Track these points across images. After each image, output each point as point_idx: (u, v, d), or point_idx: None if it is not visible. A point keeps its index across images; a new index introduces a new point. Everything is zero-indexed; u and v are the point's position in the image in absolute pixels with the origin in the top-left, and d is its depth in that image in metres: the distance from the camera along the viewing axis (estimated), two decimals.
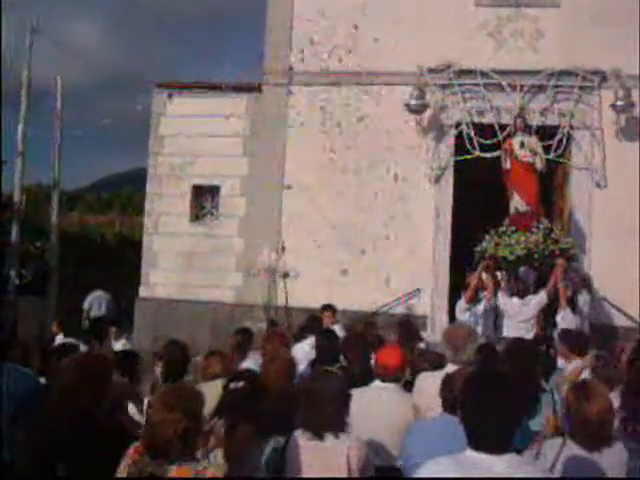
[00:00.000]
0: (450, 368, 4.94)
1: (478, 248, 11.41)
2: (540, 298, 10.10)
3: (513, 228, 11.26)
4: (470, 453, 2.83)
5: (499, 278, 10.96)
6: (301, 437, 4.01)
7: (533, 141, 11.77)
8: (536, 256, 10.87)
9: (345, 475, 3.88)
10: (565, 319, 9.66)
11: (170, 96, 14.57)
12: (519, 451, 3.49)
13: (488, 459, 2.78)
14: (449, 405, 4.20)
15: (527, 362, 5.32)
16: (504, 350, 5.92)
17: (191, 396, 3.42)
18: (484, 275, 10.60)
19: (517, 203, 11.60)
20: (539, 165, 11.60)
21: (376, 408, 4.79)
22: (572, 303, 10.22)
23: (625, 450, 4.04)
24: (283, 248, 13.36)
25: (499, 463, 2.77)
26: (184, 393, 3.42)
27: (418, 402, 5.05)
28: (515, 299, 10.25)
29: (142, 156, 15.29)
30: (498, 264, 11.02)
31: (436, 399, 4.47)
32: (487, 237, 11.34)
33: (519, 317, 9.97)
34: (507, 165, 11.71)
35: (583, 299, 10.90)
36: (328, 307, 10.45)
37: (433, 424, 4.35)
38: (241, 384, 4.31)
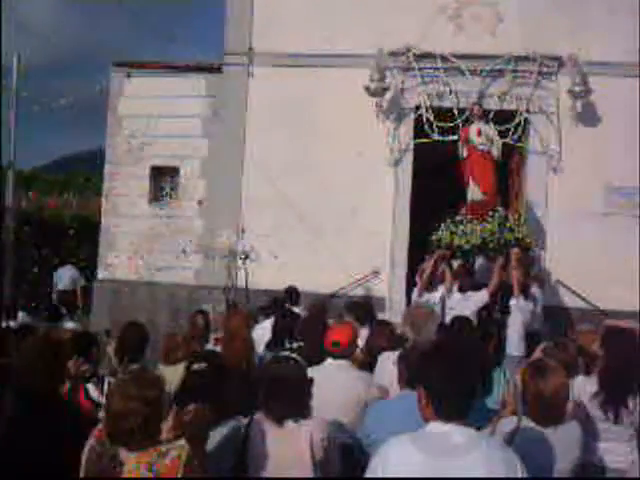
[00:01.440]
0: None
1: (434, 237, 11.46)
2: (481, 296, 9.91)
3: (469, 217, 11.27)
4: (430, 426, 2.96)
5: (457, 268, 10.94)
6: (262, 421, 4.00)
7: (490, 129, 11.84)
8: (491, 245, 10.86)
9: (308, 458, 3.87)
10: (518, 306, 9.79)
11: (128, 76, 14.40)
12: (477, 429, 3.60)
13: (447, 431, 2.90)
14: (406, 380, 4.29)
15: (475, 337, 5.44)
16: (453, 325, 6.02)
17: (151, 384, 3.38)
18: (442, 265, 10.56)
19: (473, 191, 11.63)
20: (495, 153, 11.67)
21: (328, 385, 4.83)
22: (525, 290, 10.24)
23: (579, 428, 4.17)
24: (243, 230, 13.33)
25: (458, 436, 2.89)
26: (144, 382, 3.38)
27: (380, 381, 5.12)
28: (457, 293, 10.11)
29: (100, 136, 15.13)
30: (454, 253, 11.00)
31: (396, 377, 4.56)
32: (443, 226, 11.39)
33: (456, 311, 9.40)
34: (463, 153, 11.78)
35: (536, 292, 11.00)
36: (291, 290, 10.52)
37: (392, 401, 4.42)
38: (203, 365, 4.31)
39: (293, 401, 3.99)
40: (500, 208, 11.45)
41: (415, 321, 5.30)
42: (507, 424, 4.14)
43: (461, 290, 10.15)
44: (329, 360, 5.24)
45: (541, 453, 3.92)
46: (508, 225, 11.07)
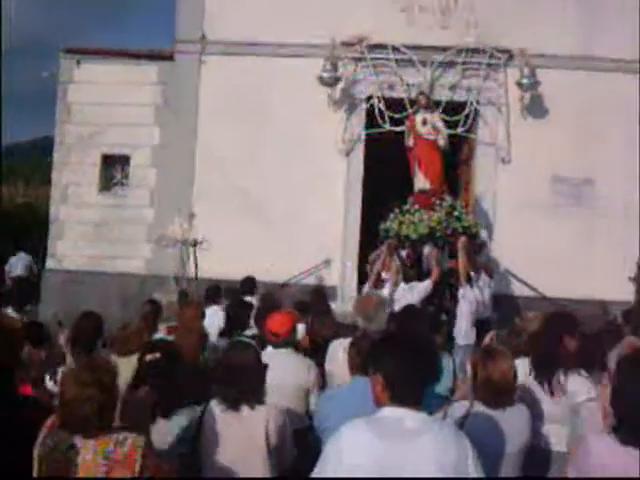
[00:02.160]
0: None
1: (382, 227, 11.54)
2: (424, 286, 9.85)
3: (416, 206, 11.36)
4: (384, 411, 3.03)
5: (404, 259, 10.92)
6: (217, 408, 4.03)
7: (436, 118, 11.96)
8: (439, 234, 10.95)
9: (263, 444, 3.92)
10: (465, 295, 9.88)
11: (78, 62, 14.18)
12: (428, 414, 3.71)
13: (400, 416, 2.97)
14: (357, 367, 4.36)
15: (425, 325, 5.53)
16: (404, 314, 6.09)
17: (105, 370, 3.35)
18: (390, 256, 10.48)
19: (420, 181, 11.74)
20: (441, 142, 11.80)
21: (270, 372, 4.89)
22: (471, 279, 10.30)
23: (527, 410, 4.31)
24: (192, 215, 13.24)
25: (411, 421, 2.96)
26: (98, 368, 3.34)
27: (331, 368, 5.19)
28: (402, 284, 9.99)
29: (49, 124, 14.88)
30: (402, 243, 11.05)
31: (347, 364, 4.63)
32: (391, 215, 11.47)
33: (401, 302, 9.21)
34: (410, 142, 11.89)
35: (483, 281, 11.14)
36: (248, 279, 10.53)
37: (344, 388, 4.49)
38: (157, 355, 4.32)
39: (249, 387, 4.03)
40: (448, 197, 11.58)
41: (366, 310, 5.37)
42: (458, 408, 4.26)
43: (405, 280, 10.10)
44: (269, 349, 5.31)
45: (492, 436, 4.04)
46: (455, 214, 11.20)
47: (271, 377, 4.95)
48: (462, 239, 10.50)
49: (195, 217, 13.31)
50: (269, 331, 5.34)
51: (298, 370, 5.21)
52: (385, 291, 9.45)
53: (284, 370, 5.13)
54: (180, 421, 4.14)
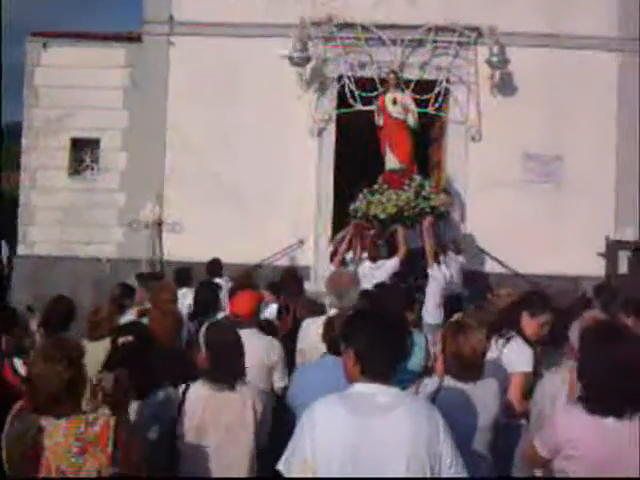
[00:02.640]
0: (332, 313, 5.12)
1: (351, 206, 11.52)
2: (392, 263, 9.84)
3: (385, 186, 11.33)
4: (356, 387, 3.06)
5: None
6: (203, 388, 4.03)
7: (406, 98, 11.95)
8: (407, 214, 10.95)
9: (252, 423, 3.96)
10: (433, 275, 9.91)
11: (45, 45, 13.97)
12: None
13: (372, 391, 3.00)
14: (332, 346, 4.37)
15: (397, 302, 5.56)
16: (375, 290, 6.13)
17: (73, 347, 3.36)
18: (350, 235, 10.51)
19: (390, 160, 11.73)
20: (411, 122, 11.81)
21: None
22: (439, 259, 10.29)
23: (496, 383, 4.36)
24: (160, 196, 13.15)
25: (382, 395, 2.98)
26: (65, 344, 3.35)
27: (302, 347, 5.20)
28: (367, 262, 10.01)
29: (17, 109, 14.67)
30: (371, 223, 11.04)
31: (319, 343, 4.64)
32: (360, 195, 11.44)
33: (369, 280, 9.00)
34: (380, 122, 11.88)
35: (455, 261, 11.13)
36: (214, 262, 10.51)
37: (317, 365, 4.51)
38: (130, 338, 4.29)
39: (235, 367, 4.07)
40: (417, 176, 11.58)
41: (337, 288, 5.37)
42: (429, 384, 4.29)
43: (372, 259, 10.09)
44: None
45: (463, 410, 4.08)
46: (423, 193, 11.19)
47: None
48: (428, 219, 10.51)
49: (163, 198, 13.22)
50: (231, 312, 5.35)
51: (261, 349, 5.22)
52: (350, 269, 9.44)
53: (247, 350, 5.16)
54: (154, 402, 4.13)
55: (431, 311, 9.48)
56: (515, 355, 4.89)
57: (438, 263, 10.06)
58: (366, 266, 9.81)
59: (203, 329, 4.30)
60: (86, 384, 3.34)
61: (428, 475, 2.92)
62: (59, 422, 3.14)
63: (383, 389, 3.01)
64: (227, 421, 3.93)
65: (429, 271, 9.78)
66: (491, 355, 4.89)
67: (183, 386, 4.07)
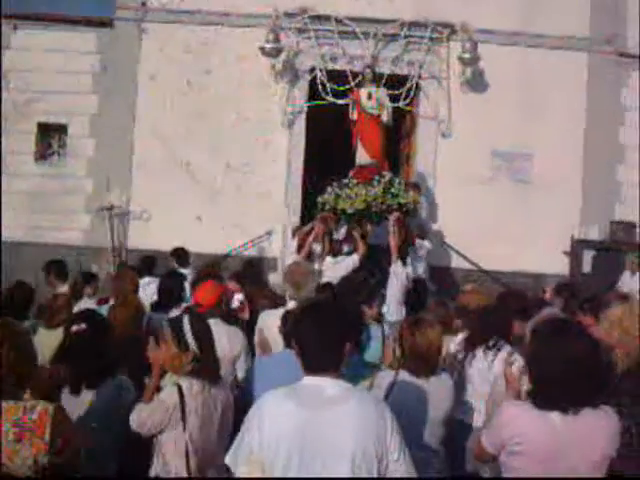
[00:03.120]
0: (291, 305, 5.11)
1: (319, 199, 11.50)
2: (352, 260, 9.69)
3: (355, 181, 11.24)
4: (304, 380, 3.06)
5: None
6: (194, 386, 3.89)
7: (381, 93, 11.92)
8: (374, 209, 10.91)
9: (230, 416, 3.97)
10: (396, 272, 9.81)
11: (15, 28, 13.78)
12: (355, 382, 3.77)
13: (320, 384, 3.01)
14: (288, 340, 4.38)
15: (351, 293, 5.58)
16: (338, 286, 6.13)
17: (20, 331, 3.33)
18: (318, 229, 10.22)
19: (362, 156, 11.65)
20: (385, 118, 11.77)
21: None
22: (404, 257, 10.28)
23: (450, 379, 4.41)
24: (127, 183, 13.04)
25: (330, 388, 2.99)
26: (10, 327, 3.30)
27: (259, 339, 5.20)
28: (329, 257, 9.87)
29: None
30: (338, 217, 10.94)
31: (277, 335, 4.64)
32: (329, 189, 11.42)
33: (327, 275, 9.02)
34: (353, 116, 11.82)
35: (421, 246, 11.24)
36: (178, 251, 10.46)
37: (273, 359, 4.51)
38: (83, 326, 4.24)
39: (216, 357, 4.06)
40: (386, 173, 11.56)
41: (295, 279, 5.37)
42: (385, 377, 4.33)
43: (333, 254, 9.97)
44: None
45: (416, 403, 4.13)
46: (393, 190, 11.20)
47: None
48: (395, 215, 10.43)
49: (130, 186, 13.13)
50: (195, 302, 5.32)
51: (226, 339, 5.18)
52: (315, 264, 9.36)
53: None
54: (107, 391, 4.09)
55: (392, 308, 9.41)
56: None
57: (403, 261, 10.00)
58: (327, 262, 9.74)
59: (179, 320, 4.18)
60: (31, 369, 3.30)
61: (375, 469, 2.93)
62: None
63: (331, 382, 3.01)
64: (220, 414, 3.90)
65: (392, 267, 9.70)
66: (480, 366, 4.94)
67: (178, 383, 3.91)
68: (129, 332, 5.37)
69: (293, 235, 10.84)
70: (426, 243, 11.32)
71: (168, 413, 3.78)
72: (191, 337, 3.93)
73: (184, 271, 8.98)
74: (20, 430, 3.09)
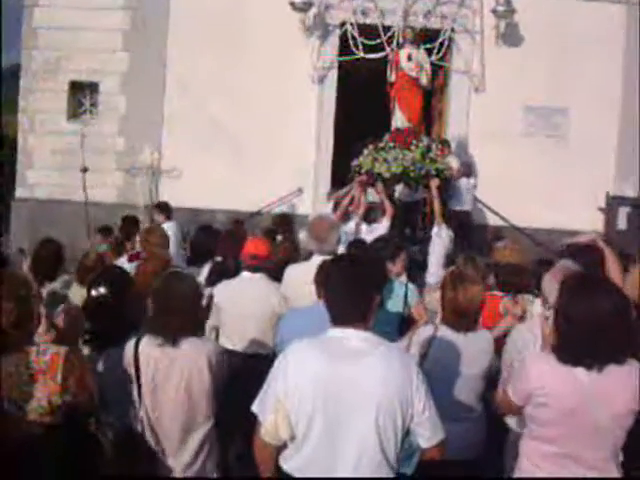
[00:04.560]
0: (316, 259, 5.10)
1: (354, 162, 11.38)
2: (383, 227, 9.36)
3: (392, 144, 11.08)
4: (330, 332, 3.07)
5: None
6: (153, 342, 3.74)
7: (421, 55, 11.69)
8: (412, 175, 10.75)
9: (207, 377, 3.74)
10: (439, 234, 9.73)
11: None
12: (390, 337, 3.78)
13: (346, 336, 3.01)
14: (319, 291, 4.37)
15: (382, 250, 5.57)
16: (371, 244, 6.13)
17: (22, 283, 3.36)
18: (357, 192, 10.01)
19: (399, 119, 11.48)
20: (424, 81, 11.55)
21: (244, 298, 4.84)
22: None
23: (490, 336, 4.40)
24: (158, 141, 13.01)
25: (355, 340, 2.98)
26: (14, 281, 3.35)
27: (286, 292, 5.20)
28: (364, 224, 9.50)
29: (15, 51, 14.48)
30: (374, 180, 10.73)
31: (303, 289, 4.64)
32: (365, 152, 11.28)
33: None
34: (392, 77, 11.62)
35: (466, 184, 11.51)
36: (160, 205, 10.54)
37: (304, 311, 4.51)
38: (102, 290, 4.21)
39: (189, 319, 3.80)
40: (424, 137, 11.38)
41: (318, 233, 5.34)
42: (425, 332, 4.33)
43: (367, 221, 9.63)
44: (245, 273, 5.28)
45: (455, 358, 4.14)
46: (431, 155, 11.05)
47: (246, 303, 4.97)
48: (435, 181, 10.32)
49: (161, 144, 13.13)
50: (247, 253, 5.29)
51: (271, 296, 5.21)
52: (351, 224, 9.28)
53: (261, 296, 5.17)
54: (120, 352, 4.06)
55: (433, 270, 9.38)
56: None
57: (447, 224, 9.92)
58: (363, 229, 9.46)
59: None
60: (34, 319, 3.35)
61: (399, 420, 2.93)
62: (10, 355, 3.20)
63: (357, 334, 3.01)
64: (180, 378, 3.71)
65: (435, 229, 9.63)
66: None
67: (134, 340, 3.80)
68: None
69: (328, 198, 10.74)
70: (472, 181, 11.59)
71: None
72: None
73: (167, 225, 9.02)
74: (33, 372, 3.19)
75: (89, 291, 4.28)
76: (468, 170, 11.90)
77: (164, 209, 10.26)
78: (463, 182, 11.62)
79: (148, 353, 3.74)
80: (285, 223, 8.65)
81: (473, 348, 4.20)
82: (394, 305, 5.18)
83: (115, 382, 3.79)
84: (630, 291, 4.02)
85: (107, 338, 4.07)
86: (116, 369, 3.84)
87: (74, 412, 3.25)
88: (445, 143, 11.77)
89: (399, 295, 5.23)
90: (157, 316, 3.80)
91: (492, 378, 4.37)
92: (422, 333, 4.35)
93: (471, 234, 11.58)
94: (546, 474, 3.12)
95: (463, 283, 4.26)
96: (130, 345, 3.78)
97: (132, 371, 3.74)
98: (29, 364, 3.18)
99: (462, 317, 4.23)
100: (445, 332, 4.23)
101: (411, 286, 5.44)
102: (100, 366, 3.96)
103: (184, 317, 3.77)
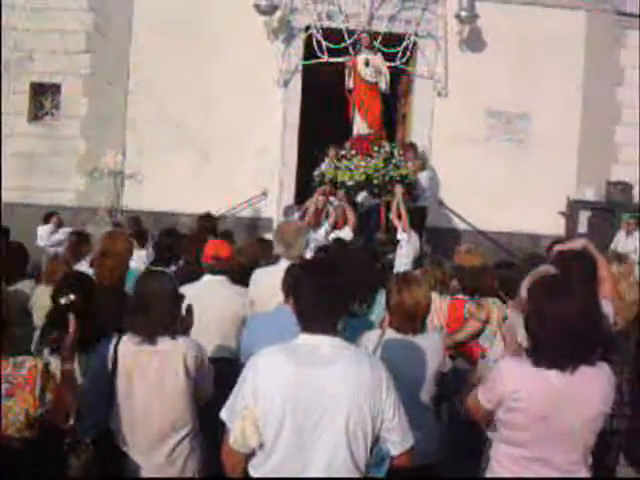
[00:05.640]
0: (283, 264, 5.08)
1: (317, 172, 11.33)
2: (344, 233, 9.33)
3: (353, 152, 11.07)
4: (300, 338, 3.04)
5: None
6: (130, 341, 3.75)
7: (378, 60, 11.72)
8: (375, 182, 10.76)
9: (183, 378, 3.72)
10: (409, 240, 9.70)
11: None
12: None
13: (315, 341, 2.99)
14: (287, 296, 4.35)
15: (355, 255, 5.57)
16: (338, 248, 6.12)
17: None
18: (321, 201, 10.07)
19: (359, 125, 11.52)
20: (383, 86, 11.60)
21: (206, 301, 4.79)
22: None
23: (440, 339, 4.40)
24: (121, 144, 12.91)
25: (326, 346, 2.97)
26: None
27: (253, 297, 5.17)
28: (322, 230, 9.47)
29: None
30: (337, 189, 10.75)
31: (270, 293, 4.61)
32: (327, 160, 11.23)
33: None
34: (350, 84, 11.62)
35: (425, 176, 11.62)
36: (51, 214, 10.93)
37: (269, 316, 4.48)
38: (71, 297, 4.16)
39: (164, 317, 3.79)
40: (386, 143, 11.40)
41: (284, 237, 5.33)
42: (371, 335, 4.30)
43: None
44: (207, 276, 5.25)
45: (402, 360, 4.09)
46: (393, 161, 11.04)
47: (208, 306, 4.92)
48: (399, 187, 10.32)
49: (124, 146, 13.04)
50: (209, 255, 5.26)
51: (236, 299, 5.18)
52: (321, 232, 9.24)
53: (222, 299, 5.12)
54: (99, 354, 4.04)
55: None
56: None
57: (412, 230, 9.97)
58: (320, 234, 9.44)
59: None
60: (7, 327, 3.31)
61: (369, 426, 2.93)
62: None
63: (327, 340, 3.00)
64: (155, 376, 3.70)
65: (405, 236, 9.66)
66: None
67: (115, 338, 3.82)
68: (113, 285, 5.22)
69: (285, 214, 10.62)
70: (427, 173, 11.70)
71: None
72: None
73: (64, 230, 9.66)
74: (11, 386, 3.13)
75: (56, 300, 4.22)
76: (423, 164, 11.98)
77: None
78: (422, 177, 11.60)
79: (125, 352, 3.73)
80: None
81: (422, 350, 4.14)
82: (377, 312, 5.15)
83: (96, 385, 3.77)
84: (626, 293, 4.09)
85: (81, 343, 4.03)
86: (95, 373, 3.81)
87: (48, 427, 3.21)
88: (412, 146, 11.83)
89: (381, 301, 5.21)
90: (134, 315, 3.79)
91: (449, 381, 4.39)
92: (369, 336, 4.33)
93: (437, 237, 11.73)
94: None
95: (409, 285, 4.22)
96: (111, 344, 3.76)
97: (110, 370, 3.72)
98: (6, 377, 3.13)
99: (409, 319, 4.16)
100: (392, 335, 4.17)
101: None
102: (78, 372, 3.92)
103: (161, 316, 3.76)
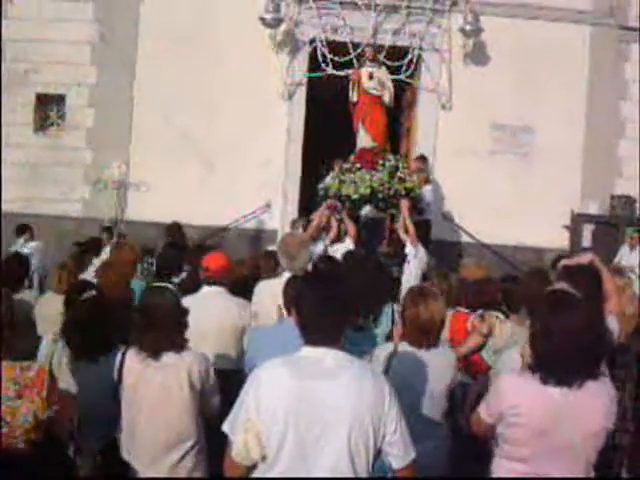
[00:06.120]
0: (287, 276, 5.08)
1: (321, 185, 11.35)
2: (344, 246, 9.00)
3: (358, 165, 11.03)
4: (303, 351, 3.03)
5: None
6: (136, 355, 3.82)
7: (382, 73, 11.73)
8: (380, 195, 10.72)
9: (187, 391, 3.77)
10: (417, 255, 9.63)
11: None
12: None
13: (318, 354, 2.98)
14: (289, 309, 4.35)
15: (362, 267, 5.54)
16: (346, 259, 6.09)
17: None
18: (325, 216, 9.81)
19: (363, 138, 11.50)
20: (387, 99, 11.61)
21: (204, 312, 4.79)
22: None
23: (453, 353, 4.39)
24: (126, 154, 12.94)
25: (329, 359, 2.96)
26: None
27: (256, 309, 5.18)
28: (321, 244, 9.20)
29: None
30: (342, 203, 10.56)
31: (273, 305, 4.62)
32: (331, 174, 11.23)
33: None
34: (354, 97, 11.63)
35: (429, 189, 11.62)
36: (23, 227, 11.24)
37: (272, 328, 4.48)
38: (93, 292, 4.25)
39: (169, 332, 3.85)
40: (391, 156, 11.40)
41: (288, 250, 5.33)
42: (384, 349, 4.29)
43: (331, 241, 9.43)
44: (205, 287, 5.26)
45: (416, 374, 4.09)
46: (398, 175, 11.02)
47: (206, 318, 4.93)
48: (404, 202, 10.29)
49: (129, 157, 13.08)
50: (206, 267, 5.27)
51: (234, 310, 5.18)
52: (320, 247, 9.19)
53: (220, 310, 5.13)
54: (107, 365, 4.06)
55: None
56: None
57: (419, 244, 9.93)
58: (319, 248, 9.36)
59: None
60: (8, 331, 3.36)
61: (371, 440, 2.93)
62: None
63: (330, 353, 2.99)
64: (160, 390, 3.75)
65: (413, 251, 9.61)
66: None
67: (122, 350, 3.89)
68: (117, 296, 5.25)
69: (291, 226, 10.64)
70: (431, 187, 11.74)
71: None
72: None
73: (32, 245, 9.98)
74: (20, 387, 3.19)
75: (74, 299, 4.28)
76: (427, 179, 11.93)
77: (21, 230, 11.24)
78: (426, 191, 11.60)
79: (131, 366, 3.77)
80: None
81: (435, 364, 4.15)
82: (383, 325, 5.14)
83: (103, 396, 3.80)
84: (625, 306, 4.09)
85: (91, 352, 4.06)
86: (103, 384, 3.84)
87: (53, 430, 3.25)
88: (423, 158, 11.85)
89: (387, 314, 5.20)
90: (141, 332, 3.83)
91: (458, 397, 4.37)
92: (383, 349, 4.31)
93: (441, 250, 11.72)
94: None
95: (425, 299, 4.22)
96: (118, 356, 3.82)
97: (116, 382, 3.78)
98: (15, 378, 3.19)
99: (424, 333, 4.17)
100: (406, 348, 4.18)
101: (395, 306, 5.40)
102: (92, 376, 3.97)
103: (167, 332, 3.81)
